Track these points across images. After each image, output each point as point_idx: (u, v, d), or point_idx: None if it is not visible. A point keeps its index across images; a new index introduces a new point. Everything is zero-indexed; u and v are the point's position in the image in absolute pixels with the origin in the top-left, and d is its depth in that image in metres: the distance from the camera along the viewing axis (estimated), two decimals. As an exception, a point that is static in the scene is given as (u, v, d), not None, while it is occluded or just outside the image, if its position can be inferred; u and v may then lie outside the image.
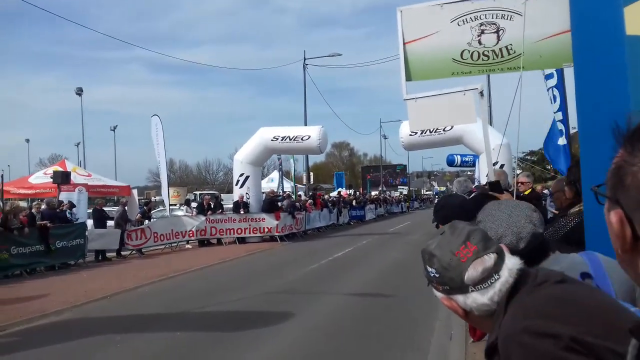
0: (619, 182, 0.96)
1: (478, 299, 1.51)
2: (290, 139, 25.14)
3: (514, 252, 2.05)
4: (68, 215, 18.69)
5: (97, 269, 17.06)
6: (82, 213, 19.71)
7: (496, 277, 1.51)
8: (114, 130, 64.51)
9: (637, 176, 0.93)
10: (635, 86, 2.90)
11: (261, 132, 25.70)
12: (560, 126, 9.91)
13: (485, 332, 1.59)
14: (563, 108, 9.89)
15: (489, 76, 21.02)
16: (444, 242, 1.58)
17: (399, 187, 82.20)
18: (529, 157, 33.96)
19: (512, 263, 1.55)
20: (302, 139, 25.16)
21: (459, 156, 32.07)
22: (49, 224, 16.68)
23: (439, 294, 1.61)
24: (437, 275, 1.56)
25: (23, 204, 23.89)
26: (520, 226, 2.06)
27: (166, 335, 8.59)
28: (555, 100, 9.75)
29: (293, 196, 31.36)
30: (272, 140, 25.21)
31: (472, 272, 1.51)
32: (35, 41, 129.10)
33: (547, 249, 2.15)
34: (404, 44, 4.71)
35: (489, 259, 1.52)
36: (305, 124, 34.35)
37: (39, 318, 10.12)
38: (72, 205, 19.33)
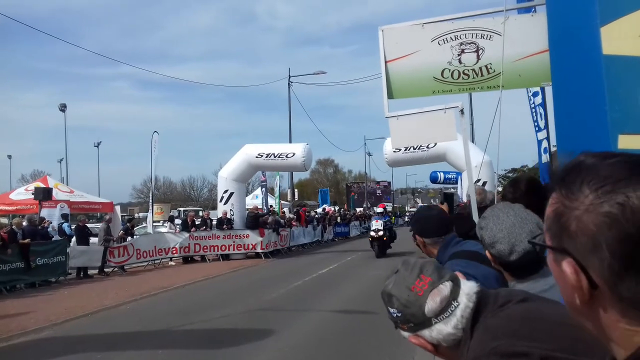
0: (563, 230, 0.90)
1: (443, 329, 1.51)
2: (274, 156, 25.19)
3: (504, 260, 2.06)
4: (66, 229, 18.71)
5: (78, 287, 16.86)
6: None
7: (455, 304, 1.51)
8: (97, 147, 64.22)
9: (581, 220, 0.87)
10: (612, 106, 2.95)
11: (246, 149, 25.70)
12: (546, 144, 10.02)
13: None
14: (546, 126, 10.01)
15: (470, 94, 21.26)
16: (400, 279, 1.58)
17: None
18: (510, 175, 34.22)
19: (468, 287, 1.55)
20: (286, 156, 25.20)
21: (442, 173, 32.31)
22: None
23: (405, 334, 1.60)
24: (399, 315, 1.56)
25: (4, 220, 23.61)
26: (518, 239, 2.03)
27: (148, 353, 8.49)
28: (541, 118, 9.88)
29: (277, 212, 31.31)
30: (256, 157, 25.22)
31: (431, 303, 1.51)
32: (20, 57, 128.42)
33: (541, 265, 2.12)
34: (386, 62, 4.75)
35: (445, 287, 1.53)
36: (290, 141, 34.42)
37: (18, 336, 9.98)
38: (66, 216, 19.30)
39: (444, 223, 3.19)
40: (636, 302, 0.84)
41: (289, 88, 39.13)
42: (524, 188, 3.52)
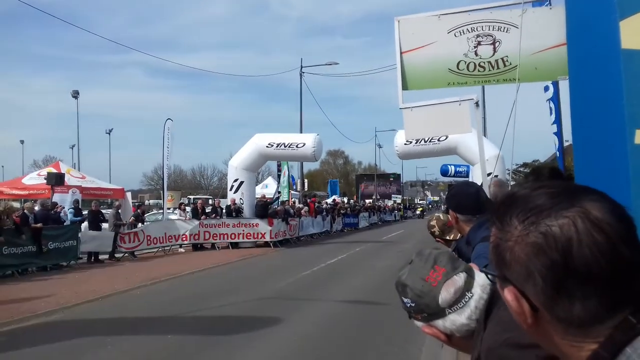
0: (501, 260, 0.97)
1: (456, 320, 1.52)
2: (285, 146, 25.19)
3: None
4: (69, 216, 18.98)
5: (89, 271, 17.00)
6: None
7: (469, 295, 1.52)
8: (109, 134, 64.50)
9: (514, 251, 0.94)
10: (630, 100, 2.93)
11: (256, 139, 25.71)
12: (555, 139, 9.95)
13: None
14: (557, 121, 9.94)
15: (483, 87, 21.13)
16: (414, 270, 1.59)
17: (392, 195, 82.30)
18: (522, 169, 34.06)
19: (483, 279, 1.56)
20: (297, 146, 25.21)
21: (452, 166, 32.22)
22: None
23: (419, 324, 1.61)
24: (413, 305, 1.56)
25: (16, 204, 23.79)
26: None
27: (157, 338, 8.57)
28: (551, 113, 9.79)
29: (286, 200, 31.40)
30: (267, 146, 25.23)
31: (445, 294, 1.52)
32: (34, 43, 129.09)
33: None
34: (401, 53, 4.74)
35: (459, 278, 1.53)
36: (301, 132, 34.44)
37: (29, 318, 10.08)
38: (77, 202, 19.58)
39: (480, 202, 3.12)
40: (573, 322, 0.91)
41: (301, 78, 39.09)
42: (547, 175, 3.51)
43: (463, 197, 3.19)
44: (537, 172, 3.71)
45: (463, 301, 1.52)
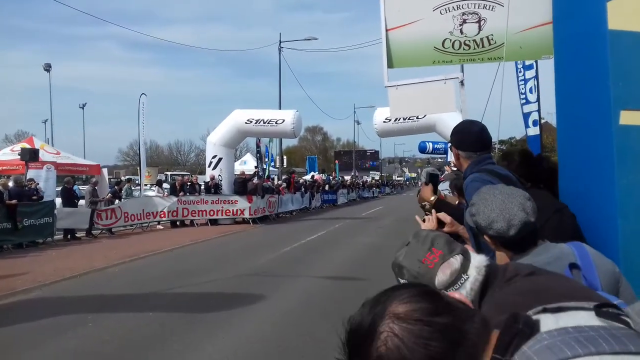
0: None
1: None
2: (264, 122, 25.09)
3: (504, 238, 2.10)
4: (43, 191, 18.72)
5: (66, 248, 16.85)
6: (51, 191, 19.45)
7: (465, 277, 1.55)
8: (83, 108, 63.51)
9: None
10: (615, 81, 2.95)
11: (235, 115, 25.54)
12: (536, 116, 10.07)
13: None
14: (538, 99, 10.06)
15: (462, 66, 21.14)
16: (411, 251, 1.61)
17: (370, 172, 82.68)
18: (498, 146, 34.35)
19: (478, 261, 1.58)
20: (276, 123, 25.12)
21: (430, 143, 32.46)
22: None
23: None
24: None
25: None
26: (512, 213, 2.06)
27: (138, 316, 8.55)
28: (532, 91, 9.89)
29: (263, 176, 31.35)
30: (246, 122, 25.09)
31: (441, 276, 1.55)
32: (5, 15, 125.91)
33: (537, 238, 2.17)
34: (387, 30, 4.70)
35: (455, 261, 1.56)
36: (280, 108, 34.31)
37: (7, 296, 9.99)
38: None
39: (482, 141, 3.21)
40: None
41: (280, 54, 38.77)
42: (517, 159, 3.55)
43: (466, 134, 3.24)
44: (508, 156, 3.74)
45: (459, 283, 1.54)
